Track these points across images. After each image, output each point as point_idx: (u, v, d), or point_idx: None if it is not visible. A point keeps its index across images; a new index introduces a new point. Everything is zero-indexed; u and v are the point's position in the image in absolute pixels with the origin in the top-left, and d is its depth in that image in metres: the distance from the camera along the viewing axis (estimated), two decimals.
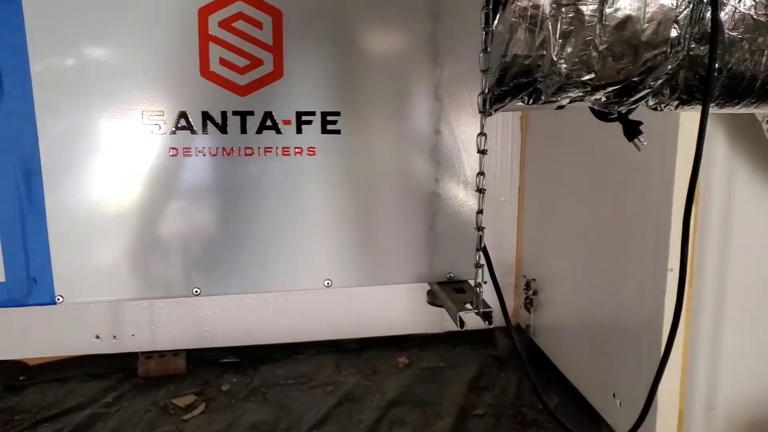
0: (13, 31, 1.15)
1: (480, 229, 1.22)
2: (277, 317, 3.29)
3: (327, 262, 1.31)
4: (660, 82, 1.40)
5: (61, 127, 1.19)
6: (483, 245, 1.24)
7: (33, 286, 1.21)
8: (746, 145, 2.25)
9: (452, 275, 1.33)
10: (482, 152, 1.21)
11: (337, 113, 1.26)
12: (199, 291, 1.27)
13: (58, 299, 1.22)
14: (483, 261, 1.22)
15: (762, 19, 1.32)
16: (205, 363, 3.30)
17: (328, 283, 1.30)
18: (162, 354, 3.23)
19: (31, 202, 1.19)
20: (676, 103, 1.45)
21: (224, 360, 3.35)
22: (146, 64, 1.19)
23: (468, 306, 1.23)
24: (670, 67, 1.36)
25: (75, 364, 3.20)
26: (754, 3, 1.31)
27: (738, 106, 1.46)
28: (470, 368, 3.37)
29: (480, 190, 1.22)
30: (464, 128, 1.27)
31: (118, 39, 1.18)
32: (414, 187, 1.30)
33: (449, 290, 1.30)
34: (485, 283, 1.21)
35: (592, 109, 1.56)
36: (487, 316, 1.22)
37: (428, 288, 1.39)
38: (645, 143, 1.60)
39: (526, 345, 3.46)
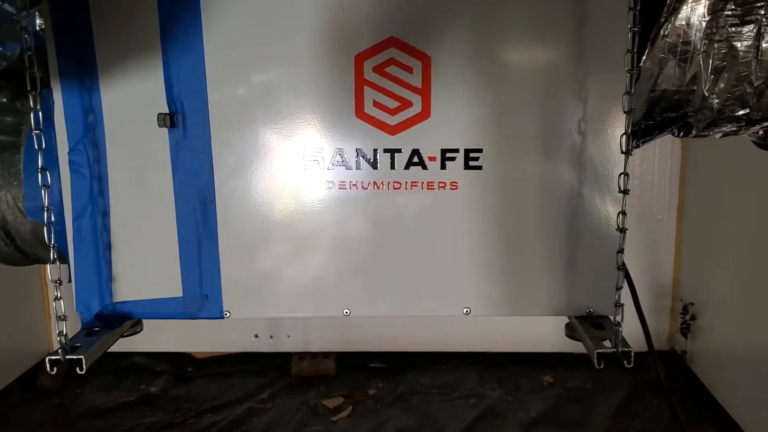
0: (196, 77, 1.31)
1: (620, 268, 1.22)
2: (423, 326, 3.38)
3: (467, 291, 1.36)
4: None
5: (233, 162, 1.34)
6: (623, 282, 1.24)
7: (205, 301, 1.38)
8: None
9: (592, 310, 1.33)
10: (624, 192, 1.20)
11: (480, 150, 1.31)
12: (349, 312, 1.37)
13: (226, 314, 1.38)
14: (622, 300, 1.22)
15: None
16: (354, 366, 3.44)
17: (467, 311, 1.36)
18: (314, 355, 3.42)
19: (206, 227, 1.36)
20: None
21: (371, 364, 3.47)
22: (308, 106, 1.31)
23: (606, 344, 1.23)
24: None
25: (235, 360, 3.47)
26: None
27: None
28: (619, 392, 3.25)
29: (621, 230, 1.21)
30: (607, 164, 1.28)
31: (283, 83, 1.31)
32: (553, 221, 1.32)
33: (587, 326, 1.31)
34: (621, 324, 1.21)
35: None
36: (626, 356, 1.21)
37: (567, 320, 1.40)
38: None
39: (683, 372, 3.28)
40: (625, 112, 1.19)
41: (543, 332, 3.34)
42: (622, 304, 1.25)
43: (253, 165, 1.35)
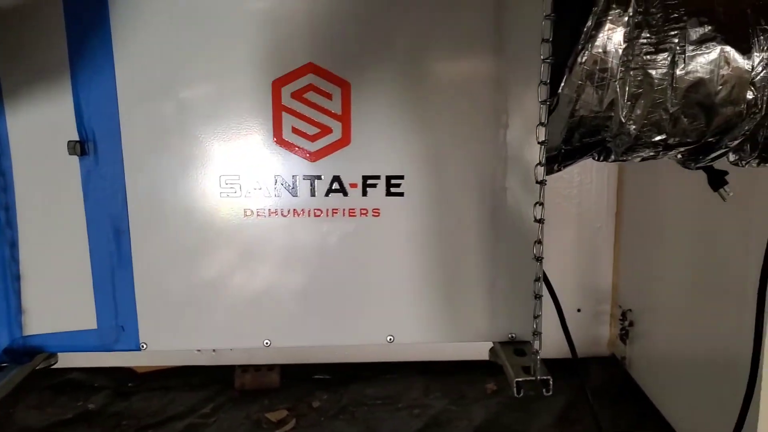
0: (108, 102, 1.27)
1: (537, 296, 1.22)
2: None
3: (390, 318, 1.35)
4: (738, 141, 1.35)
5: (147, 189, 1.30)
6: (541, 310, 1.24)
7: (121, 333, 1.34)
8: None
9: (514, 335, 1.34)
10: (540, 221, 1.21)
11: (401, 177, 1.30)
12: (269, 343, 1.35)
13: (143, 346, 1.34)
14: (540, 329, 1.22)
15: None
16: (298, 378, 3.41)
17: (390, 339, 1.34)
18: (258, 368, 3.38)
19: (120, 257, 1.31)
20: (757, 161, 1.39)
21: (316, 376, 3.45)
22: (224, 132, 1.28)
23: (526, 372, 1.23)
24: (747, 127, 1.31)
25: (177, 373, 3.40)
26: None
27: None
28: (561, 398, 3.29)
29: (538, 259, 1.22)
30: (527, 191, 1.28)
31: (198, 108, 1.28)
32: (475, 247, 1.32)
33: (509, 352, 1.31)
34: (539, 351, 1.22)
35: None
36: (544, 384, 1.22)
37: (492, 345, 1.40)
38: (731, 194, 1.54)
39: (622, 377, 3.34)
40: (539, 143, 1.19)
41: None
42: (540, 333, 1.26)
43: (168, 192, 1.31)
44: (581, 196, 3.40)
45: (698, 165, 1.46)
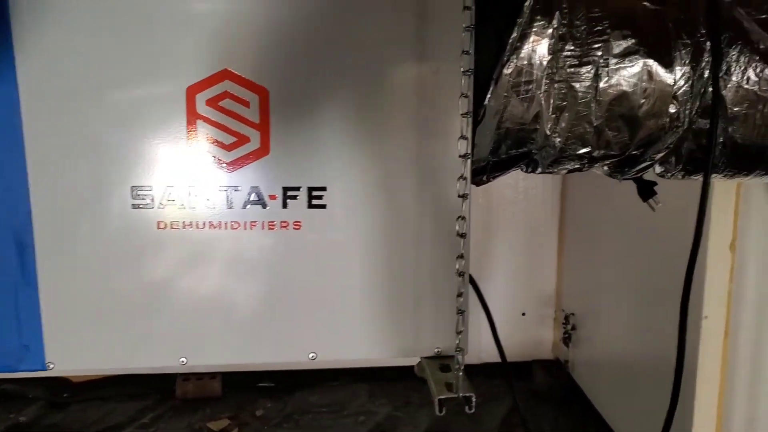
0: (9, 111, 1.20)
1: (460, 312, 1.20)
2: None
3: (312, 334, 1.31)
4: (662, 154, 1.35)
5: (53, 202, 1.23)
6: (465, 326, 1.22)
7: (25, 352, 1.27)
8: None
9: (440, 350, 1.31)
10: (462, 236, 1.18)
11: (323, 188, 1.26)
12: (185, 361, 1.29)
13: (49, 366, 1.27)
14: (463, 345, 1.20)
15: (767, 95, 1.26)
16: (241, 386, 3.35)
17: (313, 356, 1.30)
18: (199, 376, 3.31)
19: (24, 273, 1.24)
20: (682, 173, 1.40)
21: (260, 384, 3.40)
22: (135, 142, 1.22)
23: (449, 389, 1.21)
24: (670, 140, 1.32)
25: (116, 382, 3.31)
26: (757, 79, 1.25)
27: (748, 177, 1.39)
28: (505, 402, 3.31)
29: (460, 274, 1.19)
30: (449, 205, 1.25)
31: (108, 117, 1.22)
32: (400, 260, 1.29)
33: (434, 367, 1.28)
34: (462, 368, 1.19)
35: None
36: (467, 401, 1.19)
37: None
38: (660, 204, 1.55)
39: (565, 381, 3.37)
40: (460, 156, 1.17)
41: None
42: (462, 349, 1.23)
43: (76, 204, 1.24)
44: (526, 201, 3.43)
45: (625, 177, 1.45)
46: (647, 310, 2.64)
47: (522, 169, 1.42)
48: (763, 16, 1.26)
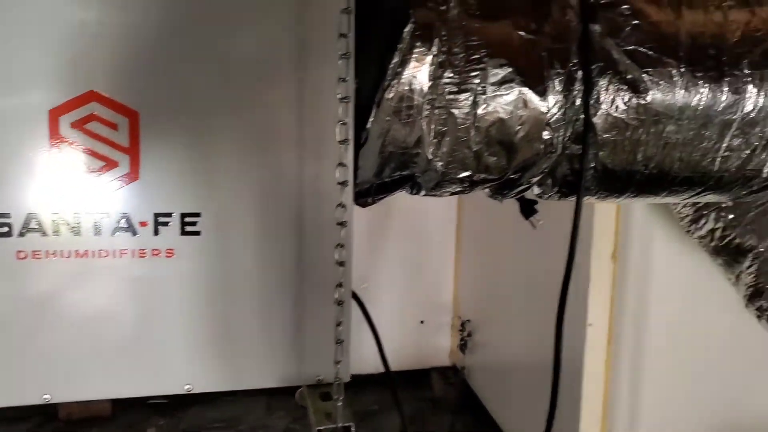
0: None
1: (339, 342, 1.18)
2: None
3: (188, 366, 1.26)
4: (539, 177, 1.38)
5: None
6: (344, 355, 1.21)
7: None
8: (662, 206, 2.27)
9: (321, 378, 1.29)
10: (341, 264, 1.17)
11: (197, 214, 1.21)
12: (49, 398, 1.21)
13: None
14: (342, 375, 1.19)
15: (634, 123, 1.32)
16: (132, 404, 3.21)
17: (188, 388, 1.25)
18: None
19: None
20: (558, 195, 1.44)
21: (152, 401, 3.26)
22: None
23: (328, 418, 1.19)
24: (546, 165, 1.35)
25: None
26: (626, 108, 1.31)
27: (620, 198, 1.45)
28: (406, 410, 3.32)
29: (339, 303, 1.18)
30: (326, 230, 1.23)
31: None
32: (278, 287, 1.26)
33: (315, 396, 1.26)
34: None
35: None
36: (346, 431, 1.18)
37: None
38: (541, 222, 1.59)
39: (461, 387, 3.43)
40: (339, 183, 1.15)
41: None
42: (341, 379, 1.22)
43: None
44: (425, 211, 3.47)
45: (506, 198, 1.49)
46: (536, 316, 2.72)
47: (408, 192, 1.42)
48: (631, 47, 1.31)
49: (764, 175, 1.42)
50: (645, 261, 2.41)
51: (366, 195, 1.41)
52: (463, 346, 3.44)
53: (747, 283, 1.81)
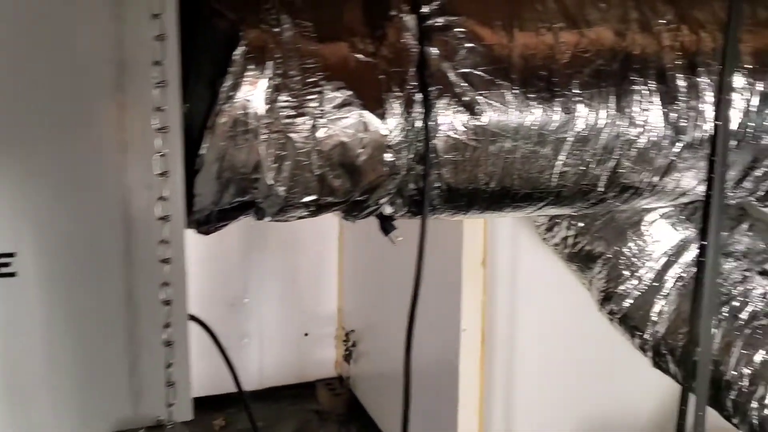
0: None
1: (170, 384, 1.12)
2: None
3: (6, 417, 1.16)
4: (386, 198, 1.38)
5: None
6: (178, 398, 1.15)
7: None
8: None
9: (162, 419, 1.22)
10: (166, 303, 1.11)
11: (11, 254, 1.11)
12: None
13: None
14: (176, 417, 1.13)
15: (473, 143, 1.34)
16: None
17: None
18: None
19: None
20: (408, 214, 1.45)
21: None
22: None
23: None
24: (391, 186, 1.35)
25: None
26: (464, 129, 1.32)
27: (467, 214, 1.47)
28: (290, 424, 3.30)
29: (168, 344, 1.12)
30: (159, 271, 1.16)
31: None
32: (107, 327, 1.17)
33: None
34: None
35: None
36: None
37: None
38: (400, 238, 1.59)
39: (347, 398, 3.42)
40: (158, 219, 1.09)
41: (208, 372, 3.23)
42: (174, 422, 1.16)
43: None
44: (306, 221, 3.41)
45: (357, 219, 1.47)
46: (418, 321, 2.75)
47: (252, 217, 1.38)
48: (466, 70, 1.33)
49: (600, 189, 1.48)
50: (512, 267, 2.49)
51: (206, 223, 1.35)
52: (348, 357, 3.43)
53: (599, 288, 1.89)
